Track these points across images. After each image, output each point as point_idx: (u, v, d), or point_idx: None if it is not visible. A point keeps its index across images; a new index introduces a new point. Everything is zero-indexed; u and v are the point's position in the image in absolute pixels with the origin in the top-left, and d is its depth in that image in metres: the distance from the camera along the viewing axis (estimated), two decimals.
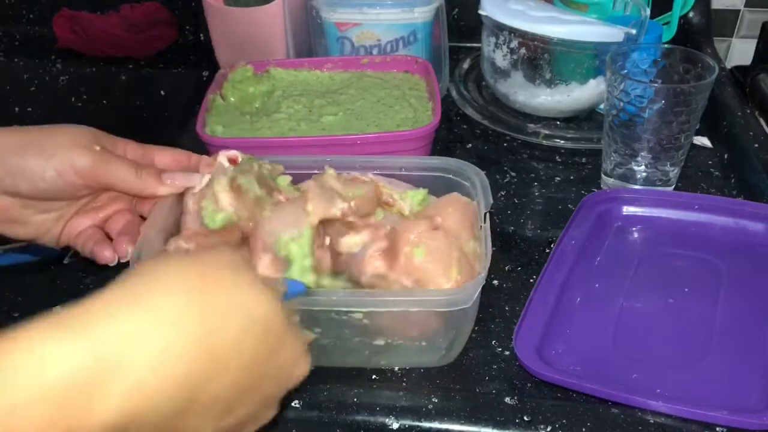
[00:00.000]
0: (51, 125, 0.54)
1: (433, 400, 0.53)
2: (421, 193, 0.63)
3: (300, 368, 0.41)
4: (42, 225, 0.55)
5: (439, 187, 0.64)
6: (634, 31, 0.82)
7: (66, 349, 0.30)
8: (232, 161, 0.59)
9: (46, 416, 0.29)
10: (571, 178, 0.81)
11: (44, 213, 0.55)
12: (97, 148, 0.53)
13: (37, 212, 0.54)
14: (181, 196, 0.58)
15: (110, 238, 0.56)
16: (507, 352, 0.59)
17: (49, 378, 0.29)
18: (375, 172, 0.64)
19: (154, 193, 0.55)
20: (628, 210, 0.72)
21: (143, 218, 0.58)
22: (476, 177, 0.63)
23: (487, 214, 0.58)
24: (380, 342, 0.56)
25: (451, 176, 0.65)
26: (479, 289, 0.53)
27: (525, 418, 0.52)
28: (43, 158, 0.51)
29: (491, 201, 0.59)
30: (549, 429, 0.51)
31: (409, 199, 0.62)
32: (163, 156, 0.59)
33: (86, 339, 0.30)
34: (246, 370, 0.36)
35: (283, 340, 0.39)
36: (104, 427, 0.30)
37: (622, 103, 0.71)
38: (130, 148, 0.57)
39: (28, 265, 0.68)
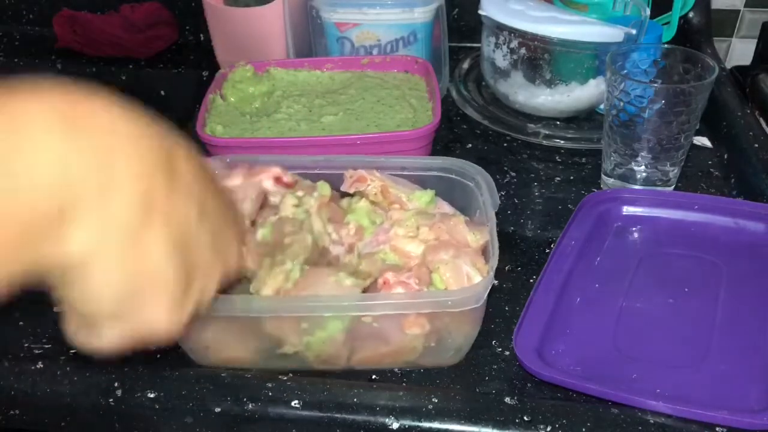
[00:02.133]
0: None
1: (433, 400, 0.53)
2: (429, 194, 0.63)
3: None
4: None
5: (441, 187, 0.64)
6: (634, 31, 0.82)
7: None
8: (279, 181, 0.60)
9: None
10: (571, 178, 0.81)
11: None
12: None
13: None
14: None
15: None
16: (507, 352, 0.59)
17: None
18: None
19: None
20: (628, 210, 0.72)
21: None
22: (480, 177, 0.63)
23: (494, 214, 0.58)
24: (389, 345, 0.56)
25: (453, 176, 0.65)
26: (489, 288, 0.53)
27: (525, 418, 0.52)
28: None
29: (498, 201, 0.60)
30: (549, 429, 0.51)
31: (416, 200, 0.62)
32: None
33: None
34: (191, 174, 0.37)
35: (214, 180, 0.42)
36: None
37: (622, 103, 0.71)
38: None
39: None
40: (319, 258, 0.58)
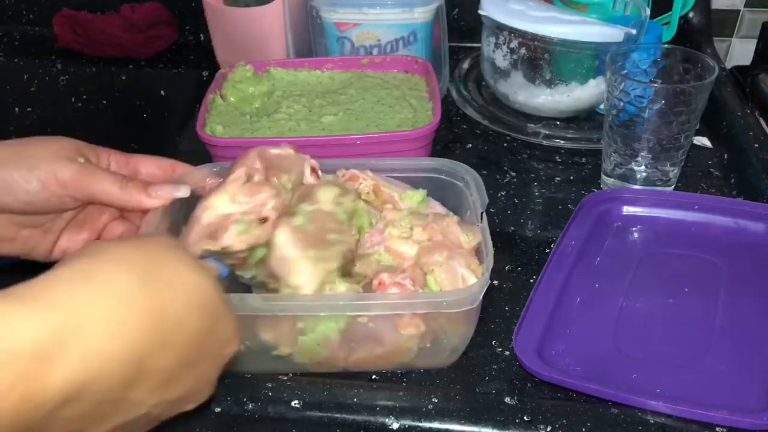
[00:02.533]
0: (32, 137, 0.53)
1: (433, 400, 0.53)
2: (421, 193, 0.63)
3: (231, 347, 0.43)
4: (29, 240, 0.54)
5: (432, 187, 0.64)
6: (634, 31, 0.82)
7: (27, 319, 0.31)
8: (314, 172, 0.59)
9: (7, 380, 0.30)
10: (571, 178, 0.81)
11: (30, 228, 0.54)
12: (81, 160, 0.52)
13: (22, 227, 0.53)
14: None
15: None
16: (507, 352, 0.59)
17: (11, 345, 0.31)
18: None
19: (139, 206, 0.54)
20: (628, 210, 0.72)
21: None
22: (469, 176, 0.62)
23: (484, 213, 0.58)
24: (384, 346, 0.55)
25: (443, 176, 0.64)
26: (485, 289, 0.53)
27: (525, 418, 0.52)
28: (26, 170, 0.50)
29: (487, 200, 0.59)
30: (549, 429, 0.51)
31: (408, 199, 0.62)
32: (148, 164, 0.58)
33: (46, 309, 0.32)
34: (188, 344, 0.38)
35: (219, 319, 0.41)
36: (59, 390, 0.32)
37: (622, 103, 0.71)
38: (114, 158, 0.56)
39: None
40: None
